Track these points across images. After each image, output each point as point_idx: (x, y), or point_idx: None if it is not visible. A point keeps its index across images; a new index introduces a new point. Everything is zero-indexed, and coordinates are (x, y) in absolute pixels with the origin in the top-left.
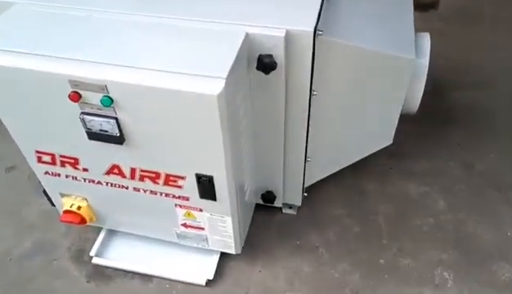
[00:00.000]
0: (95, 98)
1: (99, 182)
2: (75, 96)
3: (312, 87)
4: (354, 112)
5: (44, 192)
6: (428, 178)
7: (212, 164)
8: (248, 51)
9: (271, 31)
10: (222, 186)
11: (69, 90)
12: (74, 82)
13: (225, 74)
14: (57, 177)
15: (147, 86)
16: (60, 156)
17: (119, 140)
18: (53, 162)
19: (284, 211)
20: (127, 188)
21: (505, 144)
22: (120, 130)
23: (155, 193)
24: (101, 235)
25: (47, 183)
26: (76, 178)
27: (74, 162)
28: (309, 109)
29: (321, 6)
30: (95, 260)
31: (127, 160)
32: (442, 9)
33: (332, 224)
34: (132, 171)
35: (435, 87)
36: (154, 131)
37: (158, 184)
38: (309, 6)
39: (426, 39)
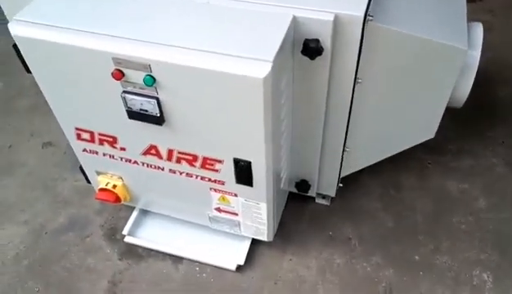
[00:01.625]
0: (137, 77)
1: (135, 162)
2: (118, 74)
3: (358, 75)
4: (398, 102)
5: (81, 169)
6: (468, 175)
7: (251, 149)
8: (294, 35)
9: (318, 15)
10: (259, 172)
11: (113, 67)
12: (117, 60)
13: (271, 57)
14: (95, 155)
15: (191, 67)
16: (99, 134)
17: (159, 120)
18: (92, 140)
19: (317, 200)
20: (162, 169)
21: None
22: (161, 110)
23: (191, 176)
24: (134, 214)
25: (85, 160)
26: (113, 157)
27: (113, 141)
28: (352, 97)
29: None
30: (127, 239)
31: (165, 141)
32: (489, 0)
33: (366, 217)
34: (170, 152)
35: (481, 81)
36: (195, 113)
37: (194, 167)
38: None
39: (479, 29)
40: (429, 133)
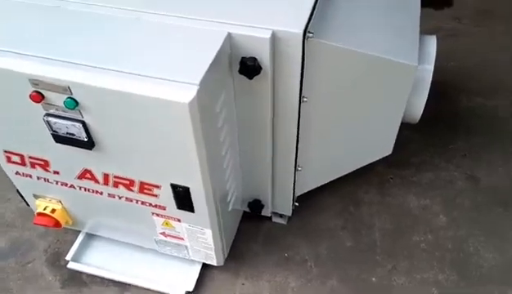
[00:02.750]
0: (58, 99)
1: (72, 186)
2: (37, 97)
3: (303, 93)
4: (349, 120)
5: (18, 192)
6: (429, 190)
7: (187, 175)
8: (231, 53)
9: (255, 32)
10: (199, 198)
11: (31, 89)
12: (34, 81)
13: (198, 80)
14: (29, 178)
15: (113, 90)
16: (30, 157)
17: (88, 144)
18: (23, 163)
19: (274, 219)
20: (101, 193)
21: None
22: (88, 134)
23: (131, 201)
24: (80, 238)
25: (19, 183)
26: (48, 180)
27: (44, 164)
28: (299, 117)
29: (315, 2)
30: (70, 265)
31: (99, 165)
32: (456, 6)
33: (324, 236)
34: (105, 176)
35: (444, 91)
36: (125, 137)
37: (133, 191)
38: (302, 2)
39: (432, 42)
40: (386, 150)
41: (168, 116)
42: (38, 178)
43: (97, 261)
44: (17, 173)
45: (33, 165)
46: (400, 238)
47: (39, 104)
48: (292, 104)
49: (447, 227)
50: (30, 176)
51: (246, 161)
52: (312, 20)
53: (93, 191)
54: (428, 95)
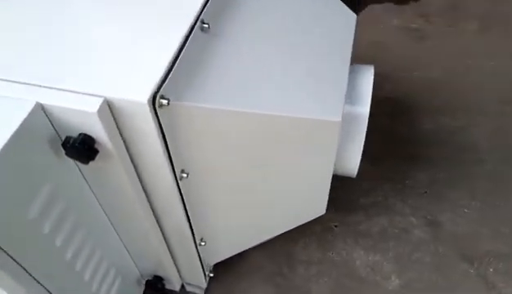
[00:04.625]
0: None
1: None
2: None
3: (180, 168)
4: (257, 187)
5: None
6: (380, 241)
7: None
8: (55, 126)
9: (77, 101)
10: None
11: None
12: None
13: None
14: None
15: None
16: None
17: None
18: None
19: (187, 289)
20: None
21: (485, 196)
22: None
23: None
24: None
25: None
26: None
27: None
28: (181, 194)
29: (181, 49)
30: None
31: None
32: (424, 1)
33: None
34: None
35: (403, 110)
36: None
37: None
38: (158, 48)
39: (368, 76)
40: (318, 210)
41: None
42: None
43: None
44: None
45: None
46: None
47: None
48: (165, 184)
49: (400, 292)
50: None
51: (130, 243)
52: (168, 80)
53: None
54: (386, 115)
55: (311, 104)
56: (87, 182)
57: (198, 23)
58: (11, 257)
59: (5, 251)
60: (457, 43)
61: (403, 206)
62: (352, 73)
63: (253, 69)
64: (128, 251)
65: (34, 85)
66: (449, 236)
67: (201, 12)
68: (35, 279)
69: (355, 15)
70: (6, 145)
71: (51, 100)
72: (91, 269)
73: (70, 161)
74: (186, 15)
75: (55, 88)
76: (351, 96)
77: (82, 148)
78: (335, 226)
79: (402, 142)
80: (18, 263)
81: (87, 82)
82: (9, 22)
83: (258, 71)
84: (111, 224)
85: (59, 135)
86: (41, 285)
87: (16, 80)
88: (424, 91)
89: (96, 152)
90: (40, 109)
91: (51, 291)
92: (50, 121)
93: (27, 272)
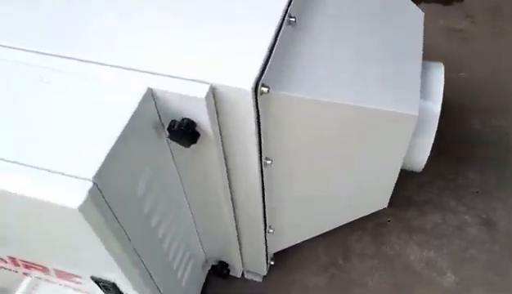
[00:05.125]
0: None
1: None
2: None
3: (265, 155)
4: (333, 177)
5: None
6: (434, 238)
7: (108, 270)
8: (158, 112)
9: (185, 87)
10: (131, 290)
11: None
12: None
13: (92, 173)
14: None
15: None
16: None
17: None
18: None
19: (246, 276)
20: (16, 271)
21: None
22: None
23: (52, 283)
24: None
25: None
26: None
27: None
28: (262, 181)
29: (275, 41)
30: None
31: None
32: (468, 1)
33: None
34: (12, 259)
35: (451, 111)
36: (18, 231)
37: (51, 275)
38: (254, 38)
39: (439, 74)
40: (380, 204)
41: (60, 218)
42: None
43: None
44: None
45: None
46: None
47: None
48: (250, 169)
49: (455, 291)
50: None
51: (204, 226)
52: (267, 69)
53: (7, 269)
54: None
55: (390, 98)
56: (176, 164)
57: (286, 17)
58: (126, 233)
59: (123, 229)
60: (503, 43)
61: (457, 204)
62: (423, 70)
63: (337, 62)
64: (198, 234)
65: (145, 71)
66: (504, 235)
67: (288, 6)
68: (139, 255)
69: (422, 12)
70: (126, 126)
71: (161, 85)
72: (173, 250)
73: (166, 143)
74: (276, 9)
75: (163, 75)
76: (423, 92)
77: (186, 131)
78: (388, 221)
79: (453, 141)
80: (130, 240)
81: (193, 70)
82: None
83: (341, 64)
84: (189, 206)
85: (160, 119)
86: (142, 262)
87: (128, 67)
88: (471, 92)
89: (197, 135)
90: (150, 94)
91: (149, 270)
92: (155, 105)
93: (136, 251)
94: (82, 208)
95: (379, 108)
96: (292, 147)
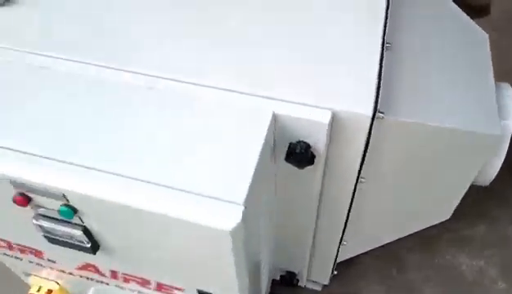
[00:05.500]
0: (51, 203)
1: (71, 273)
2: (22, 200)
3: (361, 175)
4: (409, 192)
5: None
6: (484, 248)
7: (221, 284)
8: (274, 135)
9: (310, 112)
10: None
11: (13, 192)
12: (17, 184)
13: (242, 197)
14: (19, 260)
15: (126, 206)
16: (19, 245)
17: (91, 249)
18: (10, 248)
19: (306, 285)
20: (108, 284)
21: None
22: (92, 239)
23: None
24: None
25: (8, 262)
26: (42, 265)
27: (37, 253)
28: (353, 197)
29: (381, 66)
30: None
31: (104, 263)
32: (494, 13)
33: None
34: (113, 273)
35: None
36: (141, 244)
37: (149, 288)
38: (362, 64)
39: (509, 92)
40: (444, 216)
41: (201, 240)
42: (31, 261)
43: None
44: (5, 254)
45: (23, 251)
46: None
47: (27, 207)
48: (346, 188)
49: None
50: (21, 259)
51: (282, 236)
52: (381, 95)
53: (99, 281)
54: None
55: (476, 119)
56: (276, 178)
57: (385, 43)
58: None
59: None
60: None
61: (505, 215)
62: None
63: (430, 87)
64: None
65: (269, 97)
66: None
67: (384, 33)
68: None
69: (486, 34)
70: (261, 150)
71: (286, 110)
72: (263, 263)
73: (272, 161)
74: (374, 36)
75: (287, 101)
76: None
77: (307, 154)
78: (438, 231)
79: None
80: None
81: (314, 95)
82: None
83: (433, 88)
84: (275, 217)
85: (274, 142)
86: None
87: (255, 93)
88: None
89: (314, 159)
90: (273, 120)
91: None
92: (274, 128)
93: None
94: (233, 231)
95: (472, 130)
96: (385, 166)
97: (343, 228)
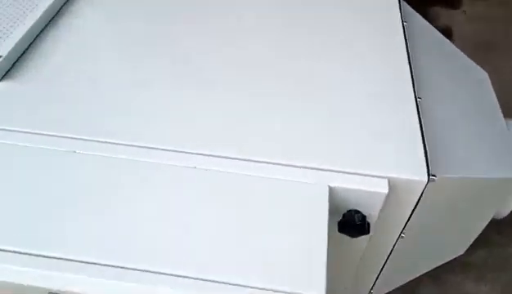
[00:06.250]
0: None
1: None
2: None
3: (403, 232)
4: (437, 237)
5: None
6: (487, 272)
7: None
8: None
9: (367, 182)
10: None
11: None
12: None
13: (321, 290)
14: None
15: None
16: None
17: None
18: None
19: None
20: None
21: None
22: None
23: None
24: None
25: None
26: None
27: None
28: (390, 253)
29: (421, 125)
30: None
31: None
32: (455, 38)
33: None
34: None
35: None
36: None
37: None
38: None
39: None
40: (459, 252)
41: None
42: None
43: None
44: None
45: None
46: None
47: None
48: (387, 245)
49: None
50: None
51: None
52: (429, 158)
53: None
54: None
55: (505, 164)
56: None
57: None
58: None
59: None
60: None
61: (503, 238)
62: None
63: (459, 136)
64: None
65: (323, 169)
66: None
67: (414, 89)
68: None
69: (485, 73)
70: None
71: (342, 182)
72: None
73: None
74: (407, 94)
75: (341, 171)
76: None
77: (364, 225)
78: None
79: None
80: None
81: (367, 163)
82: None
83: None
84: None
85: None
86: None
87: (308, 166)
88: None
89: (368, 228)
90: (330, 193)
91: None
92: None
93: None
94: None
95: (506, 176)
96: (427, 220)
97: (376, 277)
